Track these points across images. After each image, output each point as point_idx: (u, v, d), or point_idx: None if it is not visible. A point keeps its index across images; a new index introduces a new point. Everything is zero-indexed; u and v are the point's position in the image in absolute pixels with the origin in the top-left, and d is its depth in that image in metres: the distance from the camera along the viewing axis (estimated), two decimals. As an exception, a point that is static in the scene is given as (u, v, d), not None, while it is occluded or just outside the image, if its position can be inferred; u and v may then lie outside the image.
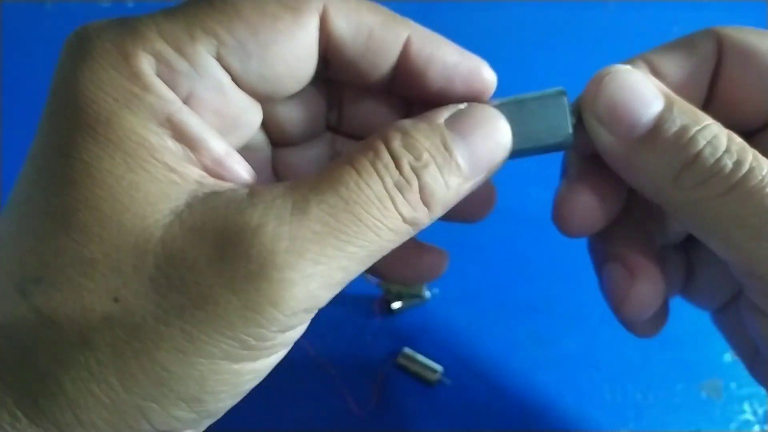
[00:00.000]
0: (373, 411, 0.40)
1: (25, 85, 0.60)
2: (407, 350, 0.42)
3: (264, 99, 0.25)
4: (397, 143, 0.22)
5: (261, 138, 0.28)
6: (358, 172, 0.22)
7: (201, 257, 0.20)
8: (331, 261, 0.21)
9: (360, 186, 0.21)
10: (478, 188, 0.25)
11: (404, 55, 0.25)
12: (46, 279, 0.20)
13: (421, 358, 0.41)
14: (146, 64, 0.21)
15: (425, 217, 0.23)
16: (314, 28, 0.24)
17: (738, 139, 0.24)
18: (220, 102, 0.23)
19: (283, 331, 0.21)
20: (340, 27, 0.24)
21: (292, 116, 0.28)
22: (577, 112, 0.26)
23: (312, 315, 0.22)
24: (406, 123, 0.23)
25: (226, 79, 0.23)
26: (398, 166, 0.22)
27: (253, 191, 0.22)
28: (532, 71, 0.63)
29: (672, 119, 0.24)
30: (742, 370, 0.42)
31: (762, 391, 0.41)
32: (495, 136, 0.24)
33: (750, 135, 0.27)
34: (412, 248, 0.32)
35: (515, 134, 0.25)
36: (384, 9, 0.25)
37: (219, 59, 0.22)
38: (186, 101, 0.22)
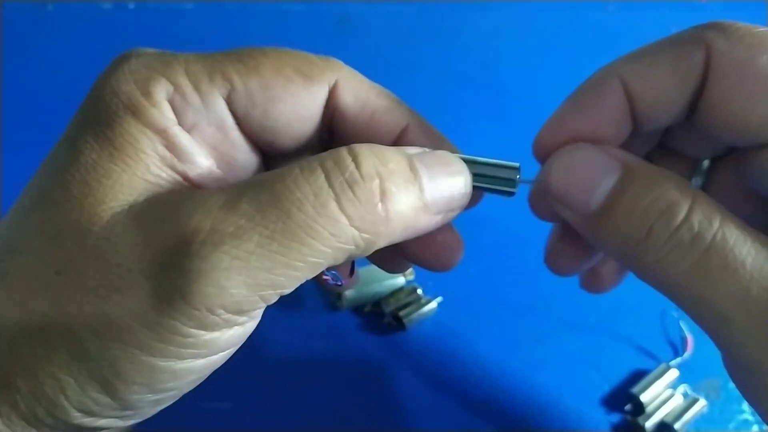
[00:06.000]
0: (372, 409, 0.40)
1: (25, 85, 0.60)
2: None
3: (263, 147, 0.27)
4: (365, 149, 0.22)
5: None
6: (301, 170, 0.21)
7: (128, 242, 0.21)
8: (251, 258, 0.20)
9: (297, 182, 0.21)
10: (446, 234, 0.27)
11: (399, 142, 0.27)
12: (19, 249, 0.23)
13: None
14: (161, 89, 0.24)
15: (380, 224, 0.22)
16: (321, 97, 0.26)
17: (705, 205, 0.22)
18: (219, 138, 0.25)
19: (203, 328, 0.21)
20: (346, 103, 0.26)
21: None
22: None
23: (243, 319, 0.22)
24: (376, 144, 0.24)
25: (229, 120, 0.25)
26: (358, 165, 0.22)
27: (198, 189, 0.23)
28: (532, 72, 0.63)
29: (625, 193, 0.23)
30: (741, 370, 0.42)
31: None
32: (457, 178, 0.24)
33: (741, 151, 0.26)
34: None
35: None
36: (390, 95, 0.28)
37: (228, 102, 0.25)
38: (190, 130, 0.24)
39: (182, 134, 0.24)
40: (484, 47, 0.66)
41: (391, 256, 0.30)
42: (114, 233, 0.22)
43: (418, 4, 0.69)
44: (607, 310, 0.45)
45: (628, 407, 0.41)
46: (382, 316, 0.44)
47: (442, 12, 0.69)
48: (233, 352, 0.24)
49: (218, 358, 0.23)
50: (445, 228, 0.27)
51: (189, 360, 0.22)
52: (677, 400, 0.40)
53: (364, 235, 0.22)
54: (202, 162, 0.25)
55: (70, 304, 0.21)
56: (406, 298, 0.45)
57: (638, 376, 0.42)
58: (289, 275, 0.21)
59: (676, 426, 0.39)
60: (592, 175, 0.24)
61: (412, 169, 0.23)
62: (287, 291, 0.22)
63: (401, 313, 0.44)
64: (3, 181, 0.52)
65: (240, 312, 0.21)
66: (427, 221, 0.24)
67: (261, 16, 0.68)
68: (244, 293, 0.21)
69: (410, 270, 0.47)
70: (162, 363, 0.21)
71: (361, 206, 0.21)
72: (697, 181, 0.30)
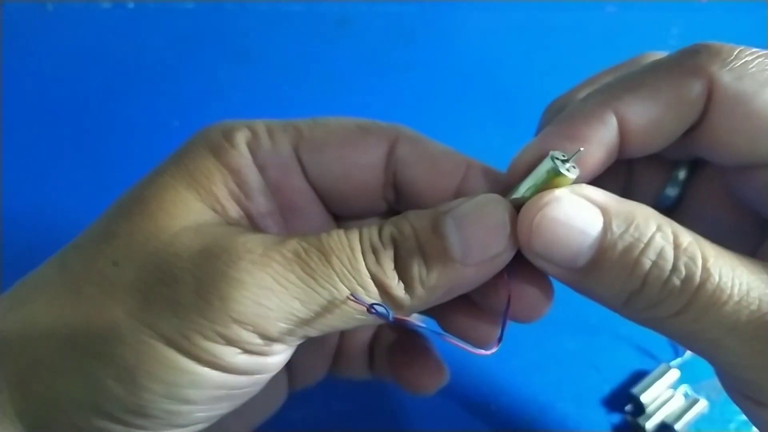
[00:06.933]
0: (372, 409, 0.40)
1: (25, 85, 0.60)
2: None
3: (329, 200, 0.29)
4: (390, 221, 0.25)
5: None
6: (345, 229, 0.24)
7: (189, 247, 0.23)
8: (291, 287, 0.22)
9: (339, 236, 0.24)
10: (525, 287, 0.27)
11: (462, 186, 0.28)
12: (81, 244, 0.25)
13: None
14: (242, 134, 0.27)
15: (399, 290, 0.23)
16: (379, 149, 0.28)
17: (686, 242, 0.22)
18: (284, 181, 0.28)
19: (226, 339, 0.22)
20: (406, 153, 0.28)
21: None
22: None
23: (264, 348, 0.23)
24: (411, 210, 0.25)
25: (293, 163, 0.28)
26: (380, 234, 0.24)
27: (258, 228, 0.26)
28: (531, 72, 0.63)
29: (613, 244, 0.22)
30: (741, 370, 0.42)
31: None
32: (489, 220, 0.24)
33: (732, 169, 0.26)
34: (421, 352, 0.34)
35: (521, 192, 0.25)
36: (448, 147, 0.29)
37: (294, 148, 0.28)
38: (260, 169, 0.27)
39: (254, 175, 0.27)
40: (484, 47, 0.66)
41: (472, 324, 0.31)
42: (178, 241, 0.24)
43: (418, 4, 0.69)
44: (607, 311, 0.45)
45: (628, 408, 0.41)
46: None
47: (442, 12, 0.69)
48: (247, 393, 0.25)
49: (232, 382, 0.24)
50: (534, 279, 0.27)
51: (206, 367, 0.23)
52: (678, 401, 0.40)
53: (388, 296, 0.24)
54: (265, 203, 0.27)
55: (119, 290, 0.23)
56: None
57: (639, 376, 0.42)
58: (320, 314, 0.23)
59: (677, 426, 0.39)
60: (576, 231, 0.23)
61: (436, 229, 0.24)
62: (314, 333, 0.24)
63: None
64: (3, 181, 0.52)
65: (266, 336, 0.23)
66: (464, 273, 0.24)
67: (261, 16, 0.68)
68: (276, 316, 0.22)
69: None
70: (181, 359, 0.22)
71: (382, 271, 0.23)
72: (672, 191, 0.29)
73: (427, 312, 0.31)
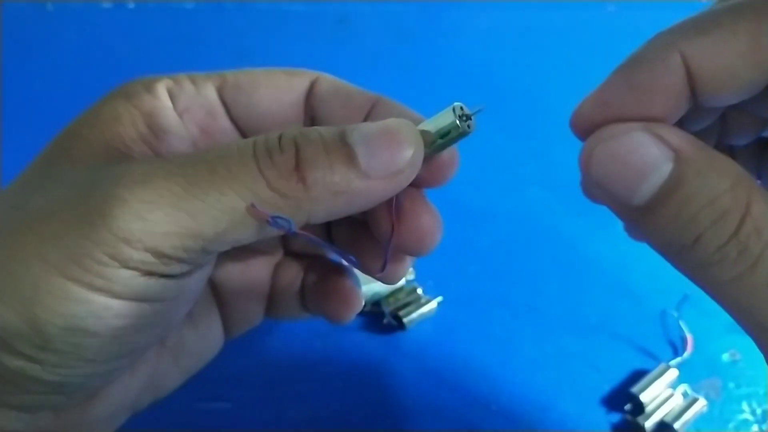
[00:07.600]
0: (372, 409, 0.40)
1: (25, 85, 0.60)
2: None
3: (249, 132, 0.29)
4: (293, 127, 0.25)
5: None
6: (236, 142, 0.24)
7: (75, 181, 0.24)
8: (175, 198, 0.22)
9: (229, 146, 0.23)
10: (414, 219, 0.27)
11: (368, 118, 0.29)
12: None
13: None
14: (162, 84, 0.28)
15: (298, 191, 0.23)
16: (301, 87, 0.30)
17: (758, 212, 0.20)
18: (208, 123, 0.29)
19: (118, 259, 0.22)
20: (323, 88, 0.30)
21: None
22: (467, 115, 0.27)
23: (163, 268, 0.22)
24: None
25: (218, 106, 0.29)
26: (280, 137, 0.23)
27: None
28: (531, 72, 0.63)
29: (675, 193, 0.20)
30: (740, 369, 0.42)
31: (761, 390, 0.41)
32: (396, 137, 0.24)
33: None
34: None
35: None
36: (360, 88, 0.30)
37: (218, 90, 0.29)
38: (182, 114, 0.28)
39: (169, 117, 0.27)
40: (484, 47, 0.66)
41: (369, 252, 0.30)
42: (67, 176, 0.24)
43: (418, 4, 0.69)
44: (607, 310, 0.46)
45: (627, 407, 0.41)
46: (382, 316, 0.44)
47: (442, 12, 0.69)
48: (159, 323, 0.25)
49: (136, 310, 0.23)
50: (420, 208, 0.27)
51: (103, 295, 0.22)
52: (677, 400, 0.40)
53: (285, 198, 0.23)
54: (178, 144, 0.27)
55: (12, 229, 0.23)
56: (406, 297, 0.45)
57: (638, 375, 0.42)
58: (211, 225, 0.22)
59: (676, 426, 0.39)
60: (639, 168, 0.21)
61: (342, 137, 0.23)
62: (215, 247, 0.23)
63: (401, 313, 0.44)
64: (3, 181, 0.52)
65: (159, 253, 0.22)
66: (367, 185, 0.24)
67: (261, 16, 0.68)
68: (164, 230, 0.22)
69: (410, 270, 0.47)
70: (75, 289, 0.22)
71: (277, 171, 0.22)
72: None
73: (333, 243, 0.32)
